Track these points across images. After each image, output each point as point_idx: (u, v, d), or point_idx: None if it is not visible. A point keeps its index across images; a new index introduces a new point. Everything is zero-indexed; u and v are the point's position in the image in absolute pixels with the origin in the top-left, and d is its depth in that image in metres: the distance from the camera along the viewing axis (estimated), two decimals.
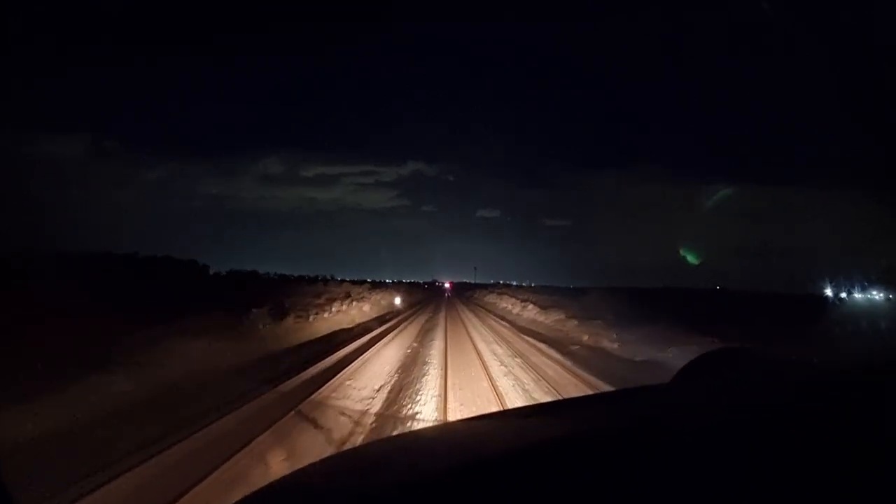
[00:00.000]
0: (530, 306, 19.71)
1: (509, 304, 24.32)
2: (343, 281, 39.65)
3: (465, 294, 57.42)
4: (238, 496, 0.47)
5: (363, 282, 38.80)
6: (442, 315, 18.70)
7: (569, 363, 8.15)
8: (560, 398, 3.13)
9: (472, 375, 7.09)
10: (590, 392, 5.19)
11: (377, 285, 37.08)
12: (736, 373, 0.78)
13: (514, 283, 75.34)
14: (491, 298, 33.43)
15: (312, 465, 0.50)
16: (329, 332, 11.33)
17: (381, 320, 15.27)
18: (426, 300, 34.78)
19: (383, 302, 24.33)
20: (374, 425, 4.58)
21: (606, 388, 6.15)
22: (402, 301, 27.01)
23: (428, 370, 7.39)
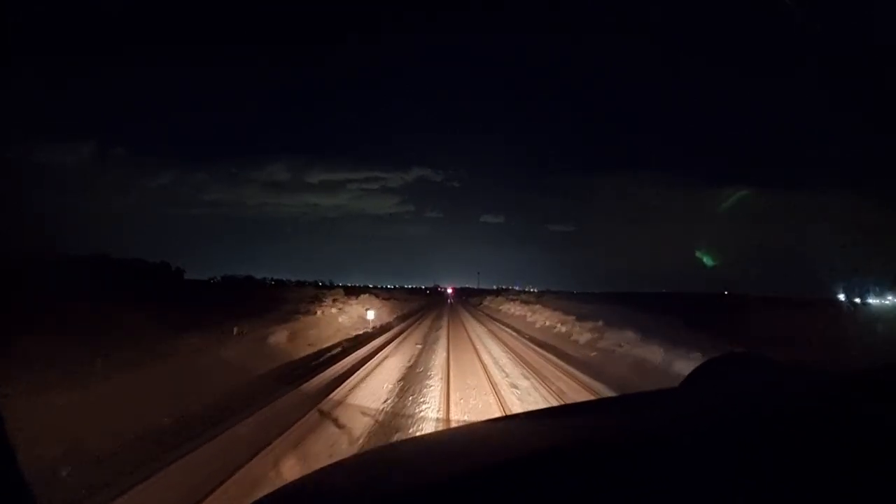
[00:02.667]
0: (628, 333, 9.65)
1: (559, 324, 14.26)
2: (304, 284, 31.73)
3: (471, 301, 47.54)
4: None
5: (332, 287, 29.44)
6: (438, 364, 8.36)
7: None
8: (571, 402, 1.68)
9: None
10: None
11: (351, 291, 27.59)
12: (742, 377, 0.77)
13: (517, 288, 69.27)
14: (513, 308, 23.41)
15: (328, 466, 0.51)
16: None
17: (264, 396, 5.46)
18: (421, 312, 24.92)
19: (342, 319, 14.55)
20: None
21: None
22: (381, 317, 17.27)
23: None
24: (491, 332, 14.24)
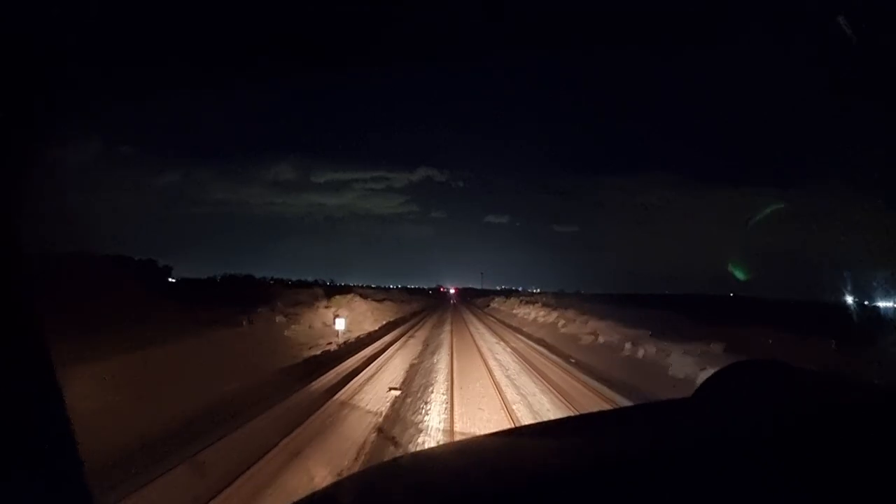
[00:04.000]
0: None
1: (628, 344, 8.93)
2: (305, 283, 28.24)
3: (477, 303, 42.47)
4: None
5: (310, 284, 24.60)
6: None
7: None
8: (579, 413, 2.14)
9: None
10: None
11: (342, 290, 22.88)
12: (762, 387, 0.71)
13: (520, 290, 64.76)
14: (533, 313, 18.25)
15: (329, 486, 0.49)
16: None
17: None
18: (417, 317, 19.96)
19: (291, 332, 9.61)
20: None
21: None
22: (362, 326, 12.39)
23: None
24: (520, 355, 9.16)
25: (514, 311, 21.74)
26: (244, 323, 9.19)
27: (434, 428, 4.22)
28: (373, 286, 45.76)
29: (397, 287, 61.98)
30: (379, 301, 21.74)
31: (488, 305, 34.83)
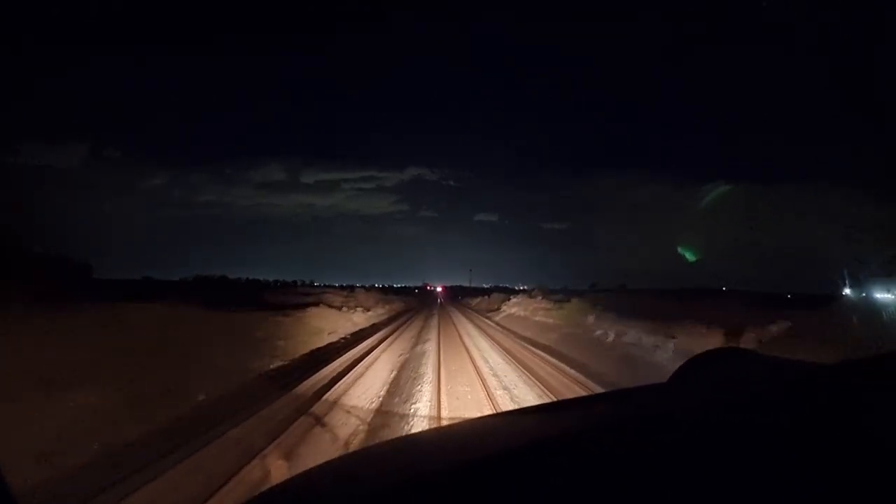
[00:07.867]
0: None
1: None
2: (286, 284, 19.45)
3: (472, 304, 30.46)
4: None
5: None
6: None
7: None
8: (557, 399, 2.29)
9: None
10: None
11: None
12: (733, 373, 0.74)
13: (526, 287, 57.91)
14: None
15: (316, 467, 0.50)
16: None
17: None
18: (356, 353, 7.40)
19: None
20: None
21: None
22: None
23: None
24: None
25: (596, 333, 9.52)
26: None
27: None
28: (357, 285, 39.68)
29: (383, 287, 54.50)
30: (289, 313, 9.35)
31: (499, 310, 22.39)
